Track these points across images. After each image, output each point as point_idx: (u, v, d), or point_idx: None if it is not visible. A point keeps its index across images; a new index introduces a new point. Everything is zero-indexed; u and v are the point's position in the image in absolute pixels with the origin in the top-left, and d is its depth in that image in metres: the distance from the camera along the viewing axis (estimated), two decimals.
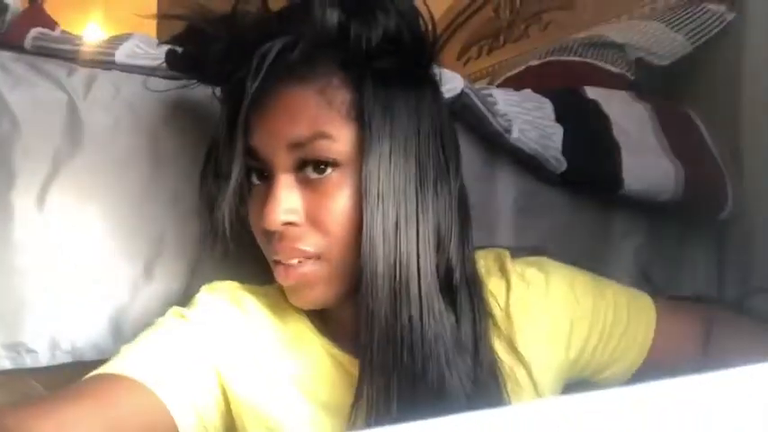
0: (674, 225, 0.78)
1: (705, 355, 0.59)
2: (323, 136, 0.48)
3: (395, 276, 0.48)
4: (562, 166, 0.70)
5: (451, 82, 0.67)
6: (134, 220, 0.61)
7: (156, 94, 0.61)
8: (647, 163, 0.73)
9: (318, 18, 0.48)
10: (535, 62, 0.98)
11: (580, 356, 0.58)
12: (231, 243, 0.52)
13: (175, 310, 0.54)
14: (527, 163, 0.71)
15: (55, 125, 0.59)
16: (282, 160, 0.50)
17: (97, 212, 0.60)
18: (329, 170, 0.49)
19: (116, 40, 0.67)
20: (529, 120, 0.71)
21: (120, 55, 0.65)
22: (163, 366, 0.48)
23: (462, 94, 0.67)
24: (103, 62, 0.65)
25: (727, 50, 0.83)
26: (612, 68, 0.87)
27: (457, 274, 0.51)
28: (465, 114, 0.68)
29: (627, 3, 1.08)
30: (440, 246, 0.50)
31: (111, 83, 0.63)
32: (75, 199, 0.59)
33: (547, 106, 0.75)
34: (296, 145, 0.49)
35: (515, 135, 0.68)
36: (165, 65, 0.54)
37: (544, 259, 0.62)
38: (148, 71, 0.64)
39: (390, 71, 0.49)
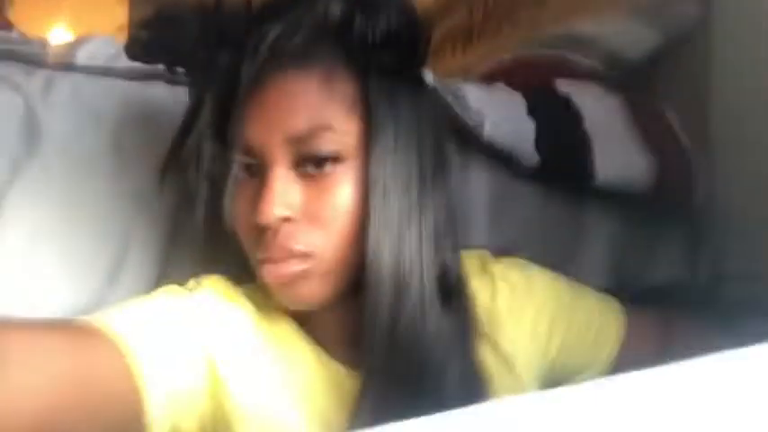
0: (647, 215, 0.78)
1: (663, 357, 0.60)
2: (325, 128, 0.47)
3: (398, 274, 0.46)
4: (535, 160, 0.70)
5: None
6: (97, 224, 0.59)
7: (118, 95, 0.59)
8: (618, 156, 0.72)
9: (322, 5, 0.47)
10: (507, 57, 0.98)
11: (558, 356, 0.58)
12: (204, 245, 0.50)
13: (174, 287, 0.51)
14: (499, 158, 0.70)
15: (11, 130, 0.57)
16: (280, 155, 0.47)
17: (57, 218, 0.57)
18: (330, 165, 0.47)
19: (77, 43, 0.65)
20: (501, 115, 0.70)
21: (81, 57, 0.62)
22: (151, 335, 0.45)
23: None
24: (63, 64, 0.62)
25: (699, 44, 0.84)
26: (584, 61, 0.87)
27: (452, 274, 0.50)
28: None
29: None
30: (437, 244, 0.49)
31: (70, 85, 0.60)
32: (33, 205, 0.57)
33: (518, 101, 0.74)
34: (296, 139, 0.46)
35: (488, 130, 0.68)
36: (127, 57, 0.52)
37: (524, 261, 0.62)
38: (109, 72, 0.62)
39: (391, 65, 0.48)
